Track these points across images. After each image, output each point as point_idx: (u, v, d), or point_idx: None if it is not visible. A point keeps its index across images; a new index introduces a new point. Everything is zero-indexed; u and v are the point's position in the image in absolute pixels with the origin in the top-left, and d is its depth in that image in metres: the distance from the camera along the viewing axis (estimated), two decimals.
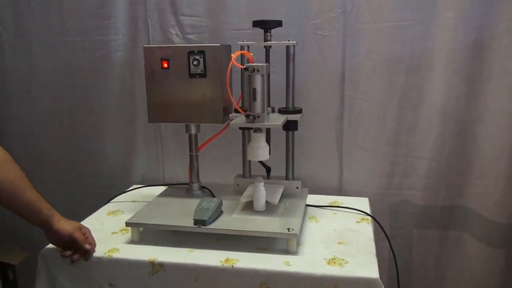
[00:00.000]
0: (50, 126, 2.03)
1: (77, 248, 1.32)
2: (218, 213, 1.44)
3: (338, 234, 1.47)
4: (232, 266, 1.29)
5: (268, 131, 1.61)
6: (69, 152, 2.04)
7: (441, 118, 1.73)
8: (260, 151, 1.46)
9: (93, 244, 1.34)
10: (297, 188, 1.61)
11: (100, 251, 1.37)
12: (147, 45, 1.59)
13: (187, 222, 1.39)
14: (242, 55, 1.52)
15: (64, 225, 1.31)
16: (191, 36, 1.82)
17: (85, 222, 1.57)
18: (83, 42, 1.90)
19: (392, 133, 1.77)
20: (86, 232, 1.35)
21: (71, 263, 1.32)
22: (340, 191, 1.87)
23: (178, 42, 1.82)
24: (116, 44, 1.87)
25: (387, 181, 1.82)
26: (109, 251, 1.37)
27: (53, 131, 2.03)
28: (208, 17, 1.79)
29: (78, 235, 1.32)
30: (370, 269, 1.27)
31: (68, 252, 1.32)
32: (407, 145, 1.78)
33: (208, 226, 1.37)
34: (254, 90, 1.35)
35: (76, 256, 1.32)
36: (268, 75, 1.55)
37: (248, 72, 1.34)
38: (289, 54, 1.51)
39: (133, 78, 1.90)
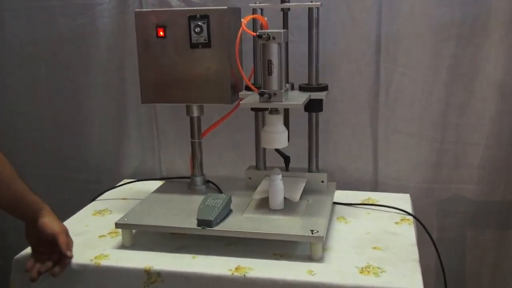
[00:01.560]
0: (24, 110, 2.05)
1: (52, 254, 1.34)
2: (226, 212, 1.44)
3: (373, 237, 1.47)
4: (244, 275, 1.28)
5: (286, 112, 1.60)
6: (47, 140, 2.06)
7: (499, 95, 1.71)
8: (277, 136, 1.45)
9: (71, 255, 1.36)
10: (323, 182, 1.61)
11: (85, 258, 1.38)
12: (139, 9, 1.59)
13: (189, 222, 1.39)
14: (254, 20, 1.51)
15: (52, 222, 1.34)
16: None
17: (67, 224, 1.57)
18: (63, 8, 1.90)
19: (440, 114, 1.76)
20: (69, 242, 1.37)
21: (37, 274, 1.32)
22: (375, 186, 1.86)
23: (177, 5, 1.82)
24: (102, 9, 1.87)
25: (433, 173, 1.81)
26: (96, 257, 1.38)
27: (27, 115, 2.05)
28: None
29: (63, 239, 1.33)
30: (412, 280, 1.26)
31: (32, 264, 1.32)
32: (458, 129, 1.77)
33: (215, 228, 1.37)
34: (270, 62, 1.35)
35: (48, 265, 1.33)
36: (287, 44, 1.53)
37: (262, 41, 1.33)
38: (312, 18, 1.49)
39: (123, 49, 1.90)
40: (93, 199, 1.78)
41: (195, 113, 1.61)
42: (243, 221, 1.42)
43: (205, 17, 1.47)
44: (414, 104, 1.77)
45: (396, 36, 1.73)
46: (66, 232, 1.37)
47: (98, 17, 1.88)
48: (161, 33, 1.50)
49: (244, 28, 1.35)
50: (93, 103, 1.99)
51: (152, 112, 1.97)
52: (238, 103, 1.52)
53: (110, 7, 1.87)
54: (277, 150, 1.60)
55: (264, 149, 1.66)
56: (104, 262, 1.36)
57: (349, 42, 1.76)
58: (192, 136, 1.64)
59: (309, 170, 1.63)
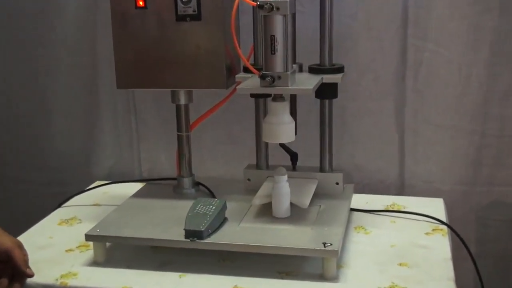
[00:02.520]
0: None
1: (6, 271, 1.33)
2: (220, 221, 1.44)
3: (399, 251, 1.47)
4: None
5: (293, 99, 1.59)
6: (4, 135, 2.06)
7: None
8: (282, 129, 1.44)
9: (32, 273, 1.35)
10: (337, 184, 1.61)
11: (50, 277, 1.37)
12: None
13: (175, 234, 1.39)
14: None
15: (1, 237, 1.33)
16: None
17: (27, 236, 1.58)
18: None
19: (480, 101, 1.76)
20: (26, 255, 1.37)
21: None
22: (401, 189, 1.87)
23: None
24: None
25: (472, 173, 1.81)
26: (62, 276, 1.37)
27: None
28: None
29: (18, 254, 1.33)
30: None
31: None
32: (502, 120, 1.77)
33: (206, 240, 1.37)
34: (273, 38, 1.33)
35: (4, 282, 1.33)
36: (294, 15, 1.53)
37: (263, 12, 1.32)
38: None
39: (95, 23, 1.89)
40: (59, 205, 1.78)
41: (182, 101, 1.60)
42: (240, 232, 1.41)
43: None
44: (448, 89, 1.77)
45: (426, 6, 1.72)
46: (20, 245, 1.36)
47: None
48: (141, 3, 1.49)
49: None
50: (58, 89, 1.99)
51: (129, 99, 1.96)
52: (235, 88, 1.49)
53: None
54: (282, 145, 1.59)
55: (267, 144, 1.65)
56: (72, 282, 1.35)
57: (370, 13, 1.75)
58: (179, 129, 1.64)
59: (321, 169, 1.62)
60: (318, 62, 1.55)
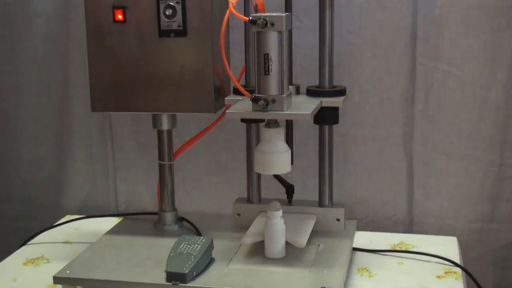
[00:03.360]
0: None
1: None
2: (206, 262, 1.43)
3: None
4: None
5: (289, 125, 1.60)
6: None
7: None
8: (276, 158, 1.44)
9: None
10: (338, 220, 1.61)
11: None
12: None
13: (156, 276, 1.38)
14: (246, 0, 1.51)
15: None
16: None
17: None
18: None
19: (497, 128, 1.77)
20: None
21: None
22: (410, 226, 1.87)
23: None
24: None
25: (489, 209, 1.82)
26: None
27: None
28: None
29: None
30: None
31: None
32: None
33: (190, 284, 1.36)
34: (267, 57, 1.34)
35: None
36: (290, 32, 1.54)
37: (256, 28, 1.32)
38: None
39: (67, 38, 1.90)
40: (24, 242, 1.77)
41: (165, 126, 1.61)
42: (229, 275, 1.40)
43: None
44: (462, 114, 1.78)
45: (437, 22, 1.74)
46: None
47: None
48: (120, 16, 1.50)
49: (232, 10, 1.35)
50: (25, 109, 1.99)
51: (105, 123, 1.97)
52: (224, 113, 1.51)
53: None
54: (277, 177, 1.60)
55: (259, 175, 1.65)
56: None
57: (375, 29, 1.77)
58: (161, 157, 1.64)
59: (320, 204, 1.62)
60: (317, 83, 1.56)
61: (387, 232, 1.81)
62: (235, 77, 1.49)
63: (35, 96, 1.98)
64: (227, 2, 1.36)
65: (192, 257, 1.39)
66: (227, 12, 1.35)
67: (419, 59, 1.77)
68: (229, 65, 1.44)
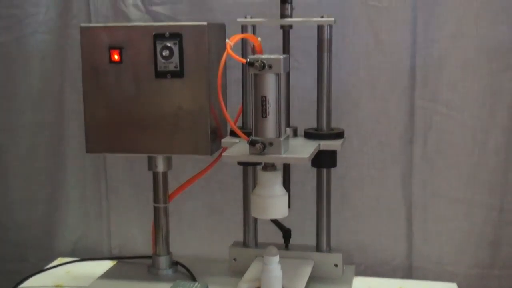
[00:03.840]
0: None
1: None
2: None
3: None
4: None
5: (287, 168, 1.60)
6: None
7: None
8: (273, 202, 1.43)
9: None
10: (336, 266, 1.60)
11: None
12: (85, 24, 1.60)
13: None
14: (244, 41, 1.52)
15: None
16: (159, 9, 1.83)
17: None
18: None
19: (498, 172, 1.77)
20: None
21: None
22: (409, 271, 1.86)
23: (137, 19, 1.84)
24: (36, 21, 1.90)
25: (490, 255, 1.81)
26: None
27: None
28: None
29: None
30: None
31: None
32: None
33: None
34: (264, 99, 1.34)
35: None
36: (288, 74, 1.55)
37: (254, 70, 1.33)
38: (322, 39, 1.51)
39: (63, 77, 1.91)
40: (14, 287, 1.73)
41: (160, 168, 1.60)
42: None
43: (176, 35, 1.48)
44: (462, 157, 1.78)
45: (436, 64, 1.75)
46: None
47: (30, 32, 1.90)
48: (116, 57, 1.51)
49: (230, 52, 1.35)
50: (18, 149, 1.98)
51: (100, 164, 1.97)
52: (220, 155, 1.51)
53: (47, 19, 1.89)
54: (274, 221, 1.59)
55: (256, 218, 1.64)
56: None
57: (373, 71, 1.78)
58: (156, 199, 1.63)
59: (318, 249, 1.61)
60: (314, 125, 1.56)
61: (386, 278, 1.80)
62: (232, 119, 1.49)
63: (29, 135, 1.98)
64: (225, 43, 1.36)
65: None
66: (225, 54, 1.35)
67: (418, 102, 1.77)
68: (226, 106, 1.44)
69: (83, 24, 1.54)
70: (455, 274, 1.81)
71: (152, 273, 1.65)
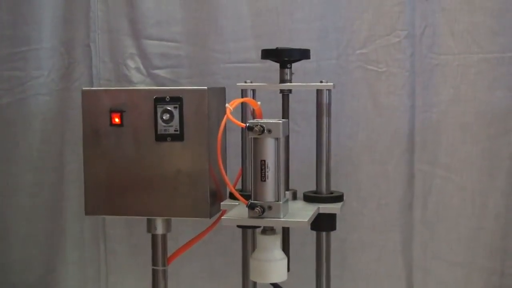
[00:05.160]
0: None
1: None
2: None
3: None
4: None
5: (286, 231, 1.59)
6: None
7: None
8: (273, 266, 1.43)
9: None
10: None
11: None
12: (87, 88, 1.63)
13: None
14: (243, 105, 1.54)
15: None
16: (160, 72, 1.86)
17: None
18: None
19: (498, 236, 1.77)
20: None
21: None
22: None
23: (139, 81, 1.87)
24: (37, 83, 1.92)
25: None
26: None
27: None
28: (188, 41, 1.85)
29: None
30: None
31: None
32: None
33: None
34: (263, 163, 1.34)
35: None
36: (287, 138, 1.55)
37: (253, 134, 1.33)
38: (321, 104, 1.52)
39: (63, 139, 1.93)
40: None
41: (160, 230, 1.60)
42: None
43: (177, 99, 1.50)
44: (461, 220, 1.78)
45: (434, 128, 1.76)
46: None
47: (32, 94, 1.92)
48: (117, 120, 1.52)
49: (229, 116, 1.36)
50: (16, 210, 1.98)
51: (98, 226, 1.96)
52: (219, 218, 1.51)
53: (48, 81, 1.92)
54: (273, 285, 1.56)
55: (255, 282, 1.63)
56: None
57: (372, 135, 1.79)
58: (154, 262, 1.62)
59: None
60: (314, 188, 1.56)
61: None
62: (232, 182, 1.49)
63: (28, 196, 1.98)
64: (225, 107, 1.37)
65: None
66: (224, 118, 1.36)
67: (417, 165, 1.78)
68: (225, 169, 1.46)
69: (84, 88, 1.57)
70: None
71: None
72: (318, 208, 1.49)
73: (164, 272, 1.63)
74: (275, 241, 1.43)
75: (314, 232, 1.56)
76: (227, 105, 1.38)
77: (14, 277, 2.01)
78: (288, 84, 1.56)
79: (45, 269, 2.00)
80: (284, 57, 1.54)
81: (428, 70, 1.74)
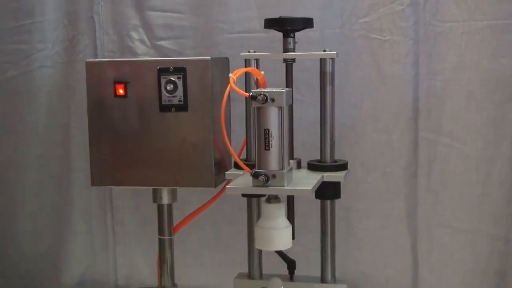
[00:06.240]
0: None
1: None
2: None
3: None
4: None
5: (290, 200, 1.60)
6: None
7: None
8: (277, 234, 1.43)
9: None
10: None
11: None
12: (91, 59, 1.62)
13: None
14: (247, 75, 1.54)
15: None
16: (164, 43, 1.86)
17: None
18: None
19: (502, 202, 1.76)
20: None
21: None
22: None
23: (144, 53, 1.87)
24: (42, 56, 1.93)
25: (496, 285, 1.79)
26: None
27: None
28: (192, 12, 1.84)
29: None
30: None
31: None
32: None
33: None
34: (267, 132, 1.34)
35: None
36: (291, 106, 1.56)
37: (256, 104, 1.33)
38: (325, 73, 1.52)
39: (68, 112, 1.93)
40: None
41: (165, 200, 1.61)
42: None
43: (180, 70, 1.49)
44: (466, 188, 1.78)
45: (439, 95, 1.76)
46: None
47: (36, 67, 1.93)
48: (121, 91, 1.52)
49: (233, 86, 1.36)
50: (24, 182, 2.00)
51: (106, 197, 1.98)
52: (224, 187, 1.52)
53: (53, 53, 1.92)
54: (278, 252, 1.59)
55: (260, 250, 1.64)
56: None
57: (376, 103, 1.79)
58: (160, 231, 1.63)
59: (322, 279, 1.60)
60: (318, 157, 1.56)
61: None
62: (236, 151, 1.50)
63: (36, 170, 1.99)
64: (228, 77, 1.37)
65: None
66: (228, 88, 1.35)
67: (421, 133, 1.78)
68: (229, 139, 1.45)
69: (88, 59, 1.57)
70: None
71: None
72: (322, 176, 1.49)
73: (170, 241, 1.64)
74: (280, 209, 1.44)
75: (319, 201, 1.57)
76: (230, 74, 1.37)
77: (24, 248, 2.03)
78: (292, 53, 1.55)
79: (54, 240, 2.01)
80: (287, 26, 1.53)
81: (432, 38, 1.73)
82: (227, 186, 1.40)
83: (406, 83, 1.76)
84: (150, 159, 1.53)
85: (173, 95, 1.50)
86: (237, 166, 1.50)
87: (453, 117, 1.76)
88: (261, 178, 1.34)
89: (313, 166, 1.54)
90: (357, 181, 1.79)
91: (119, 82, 1.52)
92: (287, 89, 1.36)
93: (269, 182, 1.34)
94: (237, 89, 1.35)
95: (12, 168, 2.00)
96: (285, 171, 1.35)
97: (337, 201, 1.58)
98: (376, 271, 1.85)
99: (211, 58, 1.50)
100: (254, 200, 1.61)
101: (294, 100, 1.54)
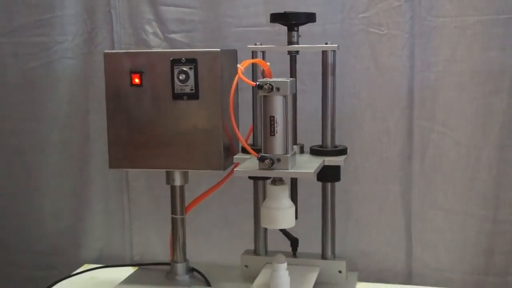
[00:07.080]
0: None
1: None
2: None
3: None
4: None
5: (294, 182, 1.64)
6: None
7: None
8: (282, 214, 1.47)
9: None
10: (340, 272, 1.63)
11: None
12: (109, 51, 1.64)
13: None
14: (254, 66, 1.58)
15: None
16: (176, 36, 1.90)
17: None
18: (13, 46, 1.98)
19: (491, 186, 1.79)
20: None
21: None
22: (409, 278, 1.87)
23: (157, 45, 1.90)
24: (62, 48, 1.95)
25: (484, 262, 1.82)
26: None
27: None
28: (203, 7, 1.87)
29: None
30: None
31: None
32: None
33: None
34: (272, 119, 1.38)
35: None
36: (295, 96, 1.59)
37: (263, 92, 1.37)
38: (326, 64, 1.56)
39: (87, 100, 1.97)
40: None
41: (178, 182, 1.64)
42: None
43: (192, 61, 1.53)
44: (457, 172, 1.80)
45: (433, 87, 1.78)
46: None
47: (57, 58, 1.96)
48: (137, 81, 1.56)
49: (241, 76, 1.39)
50: (46, 166, 2.03)
51: (122, 179, 2.01)
52: (232, 170, 1.55)
53: (73, 45, 1.95)
54: (282, 230, 1.63)
55: (265, 229, 1.68)
56: None
57: (374, 93, 1.81)
58: (173, 211, 1.67)
59: (323, 256, 1.65)
60: (320, 143, 1.60)
61: (387, 284, 1.81)
62: (243, 137, 1.54)
63: (56, 153, 2.02)
64: (236, 68, 1.40)
65: None
66: (236, 78, 1.39)
67: (416, 121, 1.80)
68: (237, 125, 1.48)
69: (106, 51, 1.60)
70: (452, 280, 1.82)
71: (170, 278, 1.68)
72: (324, 160, 1.53)
73: (183, 220, 1.68)
74: (284, 191, 1.47)
75: (320, 184, 1.62)
76: (238, 65, 1.41)
77: (46, 226, 2.07)
78: (296, 46, 1.58)
79: (74, 218, 2.05)
80: (291, 21, 1.57)
81: (427, 32, 1.75)
82: (235, 169, 1.44)
83: (402, 75, 1.79)
84: (163, 143, 1.57)
85: (185, 84, 1.53)
86: (244, 151, 1.54)
87: (446, 106, 1.78)
88: (267, 161, 1.38)
89: (315, 151, 1.58)
90: (355, 166, 1.82)
91: (135, 72, 1.55)
92: (291, 79, 1.39)
93: (274, 166, 1.38)
94: (244, 78, 1.39)
95: (35, 152, 2.03)
96: (289, 155, 1.38)
97: (337, 184, 1.62)
98: (373, 248, 1.87)
99: (220, 50, 1.53)
100: (260, 182, 1.65)
101: (298, 90, 1.57)
